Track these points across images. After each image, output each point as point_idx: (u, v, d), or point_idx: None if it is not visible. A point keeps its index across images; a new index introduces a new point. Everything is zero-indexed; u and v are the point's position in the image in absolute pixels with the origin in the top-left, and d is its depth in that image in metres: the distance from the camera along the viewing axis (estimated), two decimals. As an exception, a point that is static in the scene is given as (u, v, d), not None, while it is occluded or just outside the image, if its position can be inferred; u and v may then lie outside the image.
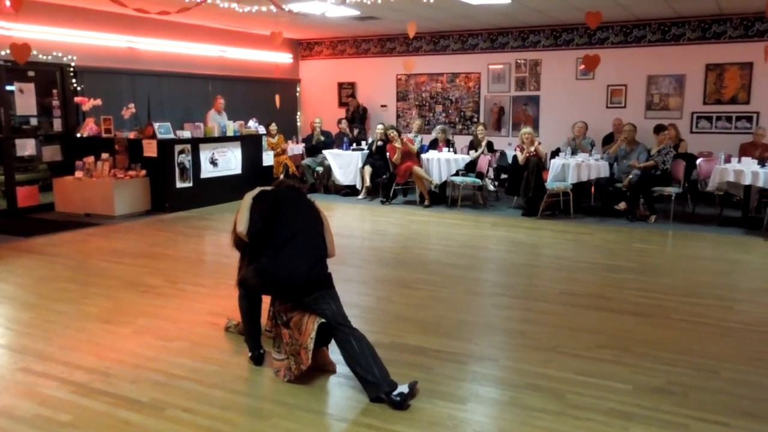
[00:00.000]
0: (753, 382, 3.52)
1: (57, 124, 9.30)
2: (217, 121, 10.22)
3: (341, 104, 13.08)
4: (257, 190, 3.72)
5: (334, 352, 3.62)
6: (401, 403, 3.16)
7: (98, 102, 9.15)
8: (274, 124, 11.18)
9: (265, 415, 3.12)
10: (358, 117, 12.24)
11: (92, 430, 2.98)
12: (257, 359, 3.72)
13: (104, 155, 8.93)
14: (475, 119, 11.90)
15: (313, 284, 3.51)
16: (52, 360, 3.78)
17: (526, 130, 9.04)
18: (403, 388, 3.22)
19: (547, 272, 6.06)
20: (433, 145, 10.26)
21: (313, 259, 3.53)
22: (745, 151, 8.82)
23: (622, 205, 8.30)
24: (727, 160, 8.13)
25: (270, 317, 3.88)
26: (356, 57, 12.98)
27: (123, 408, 3.18)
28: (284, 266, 3.46)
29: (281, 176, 10.29)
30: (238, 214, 3.64)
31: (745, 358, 3.86)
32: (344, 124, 11.61)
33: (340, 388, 3.44)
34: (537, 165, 8.66)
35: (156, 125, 8.95)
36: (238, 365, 3.72)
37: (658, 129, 8.60)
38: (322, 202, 10.21)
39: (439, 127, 10.60)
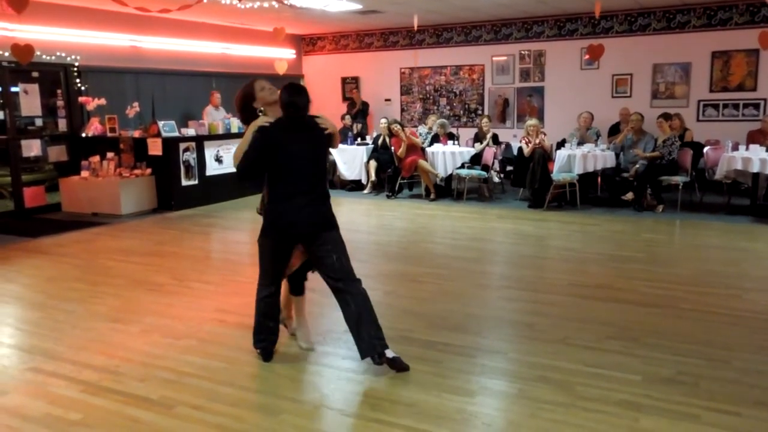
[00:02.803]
0: (764, 371, 3.49)
1: (62, 125, 9.32)
2: (215, 116, 10.22)
3: (345, 99, 13.05)
4: (261, 120, 3.49)
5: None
6: (393, 361, 3.41)
7: (102, 101, 9.16)
8: None
9: (274, 412, 3.12)
10: (360, 113, 12.21)
11: (102, 429, 2.99)
12: (265, 353, 3.72)
13: (110, 154, 8.94)
14: (480, 111, 11.85)
15: (317, 227, 3.49)
16: (62, 359, 3.79)
17: (532, 121, 8.99)
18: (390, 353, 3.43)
19: (555, 264, 6.03)
20: (435, 139, 10.22)
21: (316, 201, 3.49)
22: (752, 138, 8.74)
23: (629, 196, 8.26)
24: (735, 148, 8.08)
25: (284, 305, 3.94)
26: (359, 51, 12.94)
27: (133, 406, 3.19)
28: (285, 215, 3.45)
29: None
30: (241, 143, 3.51)
31: (756, 346, 3.83)
32: (347, 119, 11.58)
33: (349, 384, 3.44)
34: (543, 156, 8.61)
35: (160, 123, 8.96)
36: (247, 362, 3.72)
37: (664, 117, 8.55)
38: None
39: (438, 121, 10.52)
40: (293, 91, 3.47)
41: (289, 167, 3.45)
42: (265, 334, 3.71)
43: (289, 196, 3.45)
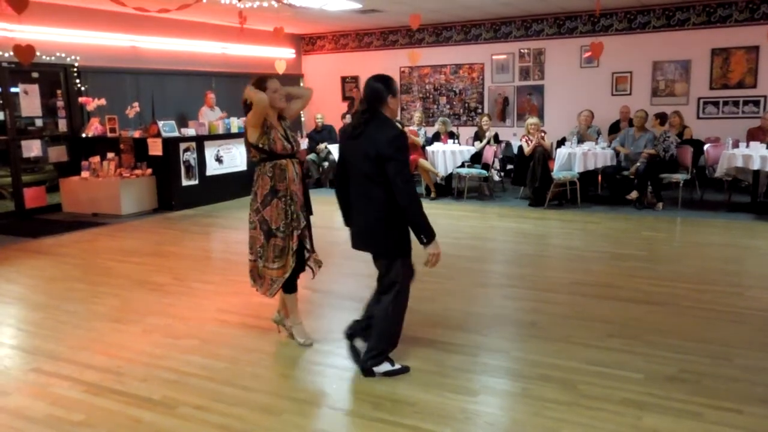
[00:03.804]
0: (767, 368, 3.49)
1: (62, 125, 9.31)
2: (210, 116, 10.21)
3: (345, 98, 13.04)
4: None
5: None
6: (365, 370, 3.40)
7: (102, 102, 9.16)
8: None
9: (276, 411, 3.12)
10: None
11: (105, 429, 2.98)
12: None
13: (110, 155, 8.94)
14: (480, 110, 11.85)
15: (358, 244, 3.42)
16: (63, 360, 3.79)
17: (532, 120, 8.99)
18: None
19: (556, 262, 6.03)
20: (436, 137, 10.22)
21: (360, 216, 3.33)
22: (753, 135, 8.74)
23: (633, 195, 8.23)
24: (735, 146, 8.07)
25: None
26: (359, 50, 12.93)
27: (135, 406, 3.19)
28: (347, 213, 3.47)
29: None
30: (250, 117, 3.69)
31: (758, 344, 3.83)
32: (348, 119, 11.57)
33: (351, 383, 3.44)
34: (543, 155, 8.61)
35: (160, 123, 8.95)
36: (249, 362, 3.72)
37: (656, 117, 8.57)
38: (328, 197, 10.25)
39: (440, 119, 10.52)
40: None
41: (351, 172, 3.41)
42: None
43: (352, 205, 3.43)
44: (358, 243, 3.42)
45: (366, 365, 3.42)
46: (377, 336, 3.42)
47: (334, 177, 3.52)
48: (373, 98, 3.21)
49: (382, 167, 3.11)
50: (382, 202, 3.19)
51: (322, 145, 10.85)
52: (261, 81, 3.77)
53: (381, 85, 3.22)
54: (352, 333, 3.65)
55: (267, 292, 3.84)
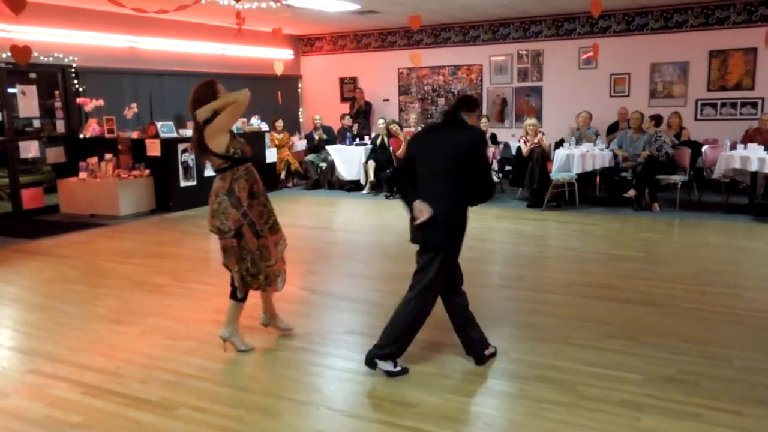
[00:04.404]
0: (765, 369, 3.50)
1: (60, 126, 9.30)
2: None
3: (343, 99, 13.04)
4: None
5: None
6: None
7: (100, 102, 9.14)
8: (280, 120, 11.21)
9: (275, 413, 3.12)
10: (362, 113, 12.21)
11: (103, 431, 2.98)
12: None
13: (108, 155, 8.93)
14: (478, 111, 11.85)
15: (416, 236, 3.48)
16: (62, 361, 3.78)
17: (531, 121, 9.00)
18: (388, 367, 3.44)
19: (554, 263, 6.04)
20: None
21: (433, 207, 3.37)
22: (750, 137, 8.76)
23: (631, 193, 8.24)
24: (733, 147, 8.09)
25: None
26: (357, 52, 12.93)
27: (134, 408, 3.19)
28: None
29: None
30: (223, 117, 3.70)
31: (757, 345, 3.84)
32: (347, 120, 11.57)
33: (350, 384, 3.44)
34: (541, 156, 8.61)
35: (158, 124, 8.95)
36: (248, 363, 3.72)
37: (651, 118, 8.59)
38: (326, 197, 10.30)
39: (431, 122, 10.52)
40: None
41: (422, 173, 3.51)
42: None
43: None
44: (416, 235, 3.49)
45: (371, 356, 3.44)
46: (392, 337, 3.43)
47: (401, 172, 3.65)
48: (462, 105, 3.50)
49: (463, 165, 3.32)
50: (448, 198, 3.39)
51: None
52: (211, 84, 3.69)
53: (474, 102, 3.59)
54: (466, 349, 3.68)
55: (279, 287, 3.93)
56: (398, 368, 3.46)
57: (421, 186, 3.43)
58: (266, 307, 4.09)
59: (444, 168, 3.36)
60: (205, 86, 3.71)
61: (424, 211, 3.31)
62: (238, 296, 3.83)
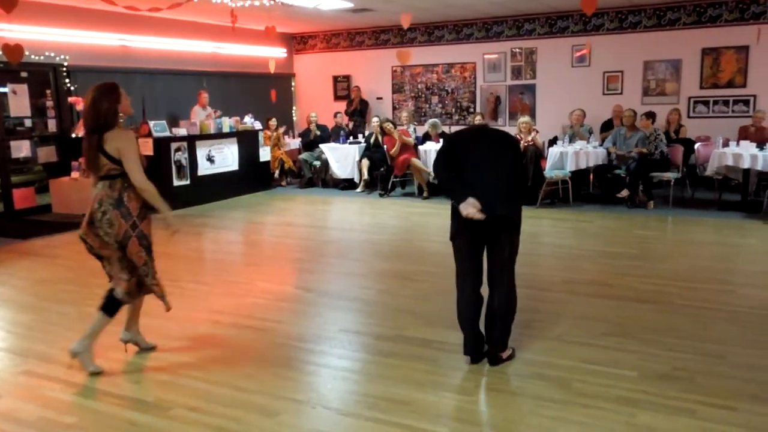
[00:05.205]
0: (759, 365, 3.51)
1: (51, 125, 9.22)
2: (202, 116, 10.15)
3: (337, 97, 13.01)
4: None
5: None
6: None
7: (92, 101, 9.07)
8: (274, 119, 11.18)
9: (271, 412, 3.10)
10: (358, 111, 12.19)
11: (98, 432, 2.96)
12: None
13: (100, 155, 8.86)
14: (472, 109, 11.86)
15: (495, 209, 3.51)
16: (55, 362, 3.76)
17: (524, 119, 9.00)
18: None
19: (549, 261, 6.04)
20: (427, 137, 10.22)
21: (493, 197, 3.49)
22: (743, 134, 8.80)
23: (624, 193, 8.27)
24: (725, 144, 8.12)
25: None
26: (351, 50, 12.91)
27: (128, 408, 3.17)
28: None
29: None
30: (133, 152, 3.82)
31: (750, 341, 3.85)
32: (340, 117, 11.55)
33: (345, 383, 3.43)
34: (535, 153, 8.62)
35: (151, 123, 8.90)
36: (243, 362, 3.70)
37: (646, 115, 8.62)
38: (320, 196, 10.28)
39: (430, 121, 10.50)
40: None
41: (471, 170, 3.70)
42: None
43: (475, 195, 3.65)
44: (495, 208, 3.46)
45: (495, 353, 3.56)
46: (507, 322, 3.58)
47: (447, 174, 3.77)
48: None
49: (512, 155, 3.67)
50: (511, 181, 3.61)
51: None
52: (114, 88, 3.70)
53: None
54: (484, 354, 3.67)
55: (168, 305, 3.81)
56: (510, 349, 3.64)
57: (474, 179, 3.55)
58: (131, 324, 3.89)
59: (503, 158, 3.61)
60: (111, 89, 3.74)
61: (477, 206, 3.40)
62: (116, 305, 3.69)
